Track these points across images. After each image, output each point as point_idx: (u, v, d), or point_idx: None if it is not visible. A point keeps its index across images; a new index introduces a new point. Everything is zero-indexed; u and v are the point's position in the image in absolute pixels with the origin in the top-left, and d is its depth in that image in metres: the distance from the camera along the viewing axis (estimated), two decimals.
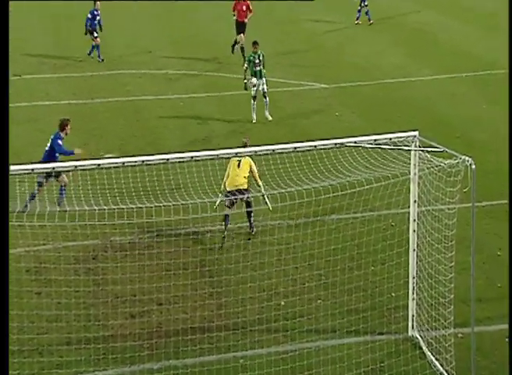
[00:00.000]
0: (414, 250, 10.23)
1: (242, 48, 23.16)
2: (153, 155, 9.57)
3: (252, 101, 18.51)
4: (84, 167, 9.47)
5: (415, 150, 9.93)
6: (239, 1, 23.78)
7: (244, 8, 23.66)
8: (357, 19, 27.77)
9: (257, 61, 18.34)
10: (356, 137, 10.14)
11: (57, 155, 14.03)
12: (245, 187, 13.19)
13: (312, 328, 10.58)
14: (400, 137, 9.91)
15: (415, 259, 10.24)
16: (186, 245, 12.43)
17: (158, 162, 9.51)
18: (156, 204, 12.30)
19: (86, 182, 12.58)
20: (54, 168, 10.18)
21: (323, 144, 10.35)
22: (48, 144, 14.11)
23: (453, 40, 25.86)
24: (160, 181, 12.52)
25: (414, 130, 10.02)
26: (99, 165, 9.41)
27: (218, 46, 25.78)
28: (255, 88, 18.42)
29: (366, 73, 22.69)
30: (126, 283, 11.57)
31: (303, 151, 13.09)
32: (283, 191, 13.15)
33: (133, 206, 12.03)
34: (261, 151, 10.71)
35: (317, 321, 10.65)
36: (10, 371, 9.50)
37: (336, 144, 10.01)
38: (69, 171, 13.14)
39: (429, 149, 9.70)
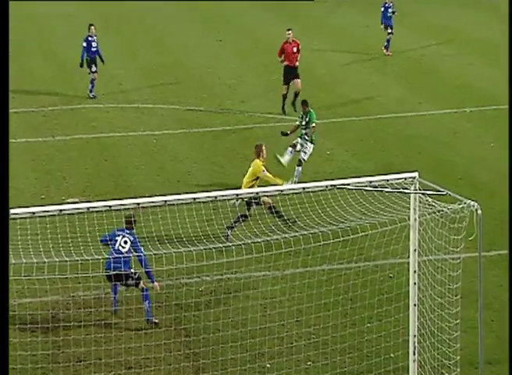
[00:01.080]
0: (415, 305, 10.32)
1: (296, 95, 21.78)
2: (122, 199, 9.67)
3: (290, 148, 17.49)
4: (44, 213, 9.49)
5: (415, 193, 10.11)
6: (288, 43, 22.23)
7: (295, 50, 22.17)
8: (387, 49, 27.98)
9: (303, 123, 17.66)
10: (349, 178, 10.31)
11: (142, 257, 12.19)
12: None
13: None
14: (398, 179, 10.10)
15: (416, 315, 10.33)
16: (159, 300, 12.46)
17: (127, 207, 9.61)
18: (125, 254, 12.35)
19: (45, 230, 12.60)
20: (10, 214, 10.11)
21: (312, 187, 10.52)
22: (123, 246, 12.28)
23: (456, 72, 26.39)
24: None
25: (413, 171, 10.22)
26: (61, 210, 9.46)
27: (197, 76, 26.13)
28: (293, 152, 17.43)
29: (361, 107, 23.07)
30: (91, 345, 11.54)
31: (289, 194, 13.29)
32: (268, 238, 13.28)
33: (99, 257, 12.08)
34: (243, 194, 10.87)
35: None
36: None
37: (326, 186, 10.18)
38: (26, 218, 13.13)
39: (430, 192, 9.88)
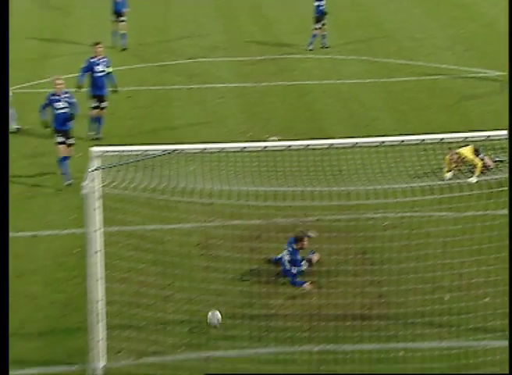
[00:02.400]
0: None
1: None
2: (316, 139, 9.41)
3: None
4: (251, 149, 9.50)
5: None
6: None
7: None
8: None
9: None
10: None
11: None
12: None
13: (479, 326, 10.02)
14: None
15: None
16: (348, 231, 12.21)
17: (321, 146, 9.37)
18: (319, 188, 12.18)
19: (252, 163, 12.67)
20: (223, 148, 10.15)
21: (497, 135, 9.65)
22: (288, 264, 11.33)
23: None
24: (322, 166, 12.37)
25: None
26: (265, 147, 9.40)
27: (388, 31, 25.11)
28: None
29: None
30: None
31: (474, 142, 12.40)
32: (452, 181, 12.53)
33: (296, 189, 11.99)
34: (450, 138, 9.94)
35: (484, 320, 10.05)
36: (178, 339, 9.83)
37: None
38: (236, 152, 13.24)
39: None
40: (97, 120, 16.47)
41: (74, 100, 14.45)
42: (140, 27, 24.73)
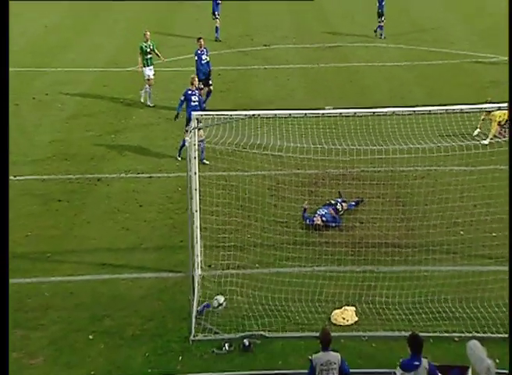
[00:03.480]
0: None
1: None
2: (362, 108, 9.21)
3: None
4: (311, 115, 9.44)
5: None
6: None
7: None
8: None
9: None
10: None
11: None
12: None
13: (485, 254, 9.81)
14: None
15: None
16: (385, 180, 12.01)
17: (366, 114, 9.19)
18: (363, 146, 11.93)
19: (312, 126, 12.54)
20: (290, 114, 10.06)
21: (505, 106, 9.11)
22: None
23: None
24: (367, 129, 12.10)
25: None
26: (322, 114, 9.35)
27: (420, 25, 24.05)
28: None
29: None
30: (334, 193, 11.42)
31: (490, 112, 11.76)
32: (470, 142, 12.05)
33: (346, 146, 11.80)
34: (469, 109, 9.56)
35: (490, 249, 9.80)
36: (254, 258, 10.02)
37: None
38: (300, 117, 13.02)
39: None
40: (205, 96, 16.24)
41: (201, 97, 14.13)
42: (227, 22, 24.55)
